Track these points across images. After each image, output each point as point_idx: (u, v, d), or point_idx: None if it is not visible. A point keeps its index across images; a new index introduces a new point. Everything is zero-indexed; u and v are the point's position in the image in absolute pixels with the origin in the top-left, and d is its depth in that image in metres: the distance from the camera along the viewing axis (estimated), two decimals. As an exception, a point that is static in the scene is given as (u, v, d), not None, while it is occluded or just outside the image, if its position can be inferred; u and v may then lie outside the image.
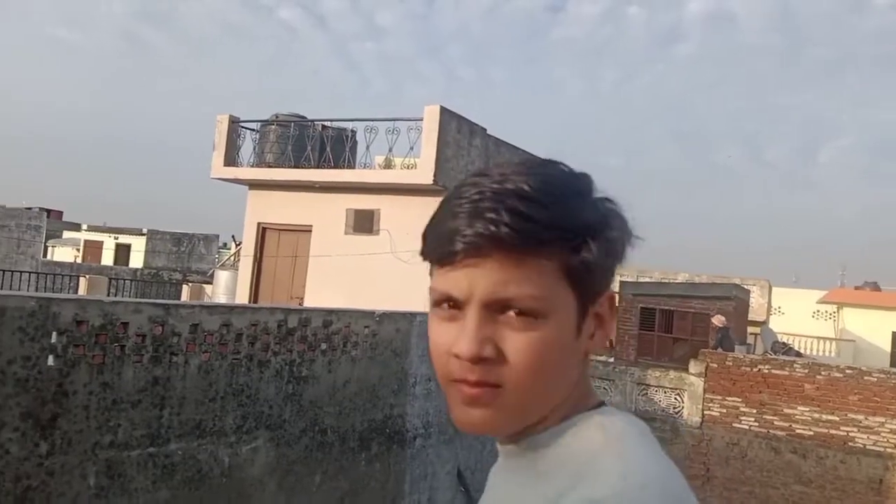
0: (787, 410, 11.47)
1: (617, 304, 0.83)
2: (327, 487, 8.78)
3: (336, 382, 8.92)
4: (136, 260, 31.58)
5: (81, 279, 16.35)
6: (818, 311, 27.48)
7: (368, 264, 11.28)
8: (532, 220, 0.69)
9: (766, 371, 11.75)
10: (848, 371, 11.61)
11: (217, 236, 37.19)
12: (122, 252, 33.02)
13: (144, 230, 32.66)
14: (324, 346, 8.74)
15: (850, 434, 11.12)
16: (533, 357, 0.70)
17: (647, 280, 19.84)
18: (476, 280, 0.70)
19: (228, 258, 19.13)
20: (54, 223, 38.64)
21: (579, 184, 0.78)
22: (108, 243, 34.00)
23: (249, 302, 12.34)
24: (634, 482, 0.68)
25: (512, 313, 0.70)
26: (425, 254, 0.77)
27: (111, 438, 6.36)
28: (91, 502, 6.27)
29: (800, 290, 28.81)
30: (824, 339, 24.08)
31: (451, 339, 0.73)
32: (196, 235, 34.35)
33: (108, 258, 32.99)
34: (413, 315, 10.38)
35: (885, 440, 11.15)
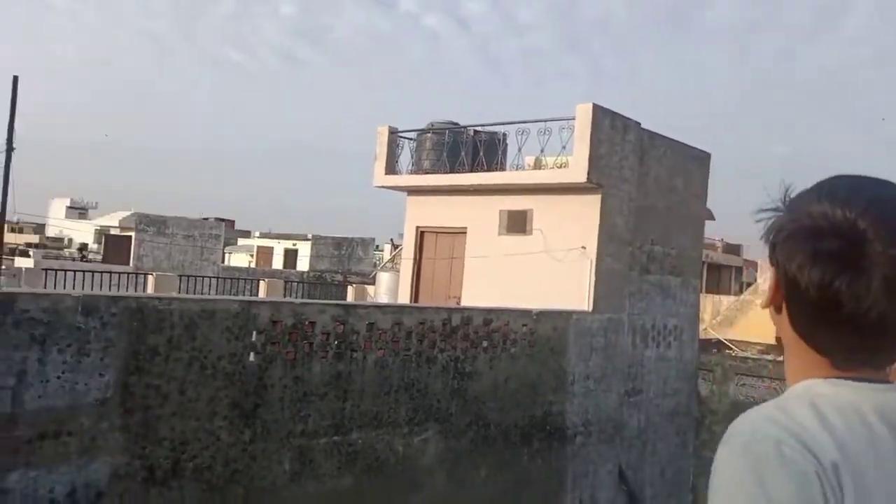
0: None
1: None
2: (493, 481, 9.12)
3: (497, 378, 9.24)
4: (303, 263, 34.02)
5: (260, 282, 17.95)
6: None
7: (522, 264, 11.52)
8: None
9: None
10: None
11: (373, 239, 39.15)
12: (290, 256, 35.71)
13: (309, 236, 35.09)
14: (485, 343, 9.08)
15: None
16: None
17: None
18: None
19: (389, 261, 20.14)
20: (228, 231, 42.46)
21: None
22: (278, 249, 36.93)
23: (410, 301, 12.98)
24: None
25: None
26: None
27: (302, 427, 7.06)
28: (287, 486, 6.99)
29: None
30: None
31: None
32: (354, 239, 36.35)
33: (277, 262, 35.83)
34: (570, 313, 10.48)
35: None
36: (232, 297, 7.61)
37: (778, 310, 0.98)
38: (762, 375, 12.80)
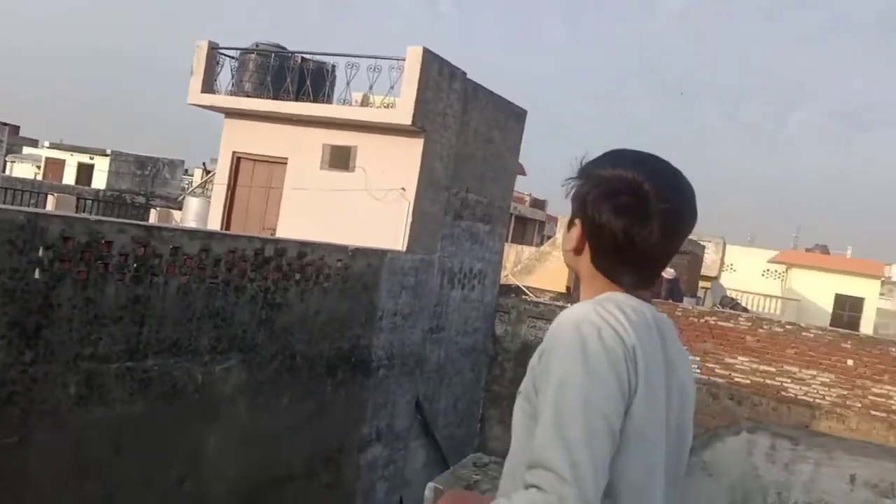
0: (728, 360, 12.26)
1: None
2: (294, 408, 9.25)
3: (308, 311, 9.29)
4: (99, 181, 31.05)
5: (49, 197, 16.21)
6: (768, 270, 28.63)
7: (343, 200, 11.52)
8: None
9: (713, 322, 12.49)
10: (788, 326, 12.41)
11: (182, 162, 36.58)
12: (85, 172, 32.38)
13: (108, 151, 32.01)
14: (297, 276, 9.06)
15: (783, 384, 11.98)
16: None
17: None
18: None
19: (199, 185, 19.08)
20: (11, 138, 37.54)
21: None
22: (71, 161, 33.28)
23: (221, 230, 12.50)
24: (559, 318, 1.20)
25: None
26: None
27: (92, 351, 6.66)
28: (72, 410, 6.60)
29: (753, 249, 29.89)
30: (771, 297, 25.23)
31: None
32: (161, 160, 33.74)
33: (69, 177, 32.35)
34: (385, 252, 10.74)
35: (815, 391, 12.04)
36: (18, 208, 6.90)
37: (578, 252, 1.33)
38: (548, 319, 14.05)
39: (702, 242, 19.80)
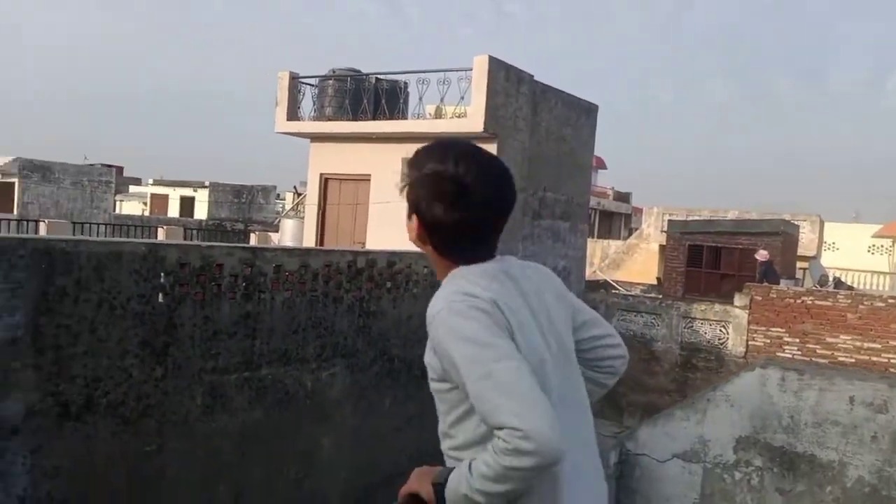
0: (829, 339, 11.90)
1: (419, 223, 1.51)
2: (397, 410, 9.76)
3: (401, 317, 9.80)
4: (201, 211, 33.14)
5: (159, 230, 17.60)
6: (873, 245, 27.18)
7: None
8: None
9: (810, 302, 12.16)
10: (890, 300, 11.92)
11: (274, 187, 38.48)
12: (187, 204, 34.66)
13: (206, 183, 34.12)
14: (388, 284, 9.59)
15: (890, 360, 11.52)
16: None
17: (696, 218, 20.08)
18: None
19: (292, 208, 20.15)
20: (117, 178, 40.53)
21: None
22: (174, 196, 35.70)
23: (315, 247, 13.26)
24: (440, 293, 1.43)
25: None
26: None
27: (213, 364, 7.38)
28: (199, 419, 7.33)
29: (855, 226, 28.45)
30: (879, 273, 23.96)
31: None
32: (255, 187, 35.64)
33: (173, 210, 34.70)
34: (468, 255, 11.12)
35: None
36: (138, 240, 7.73)
37: (424, 241, 1.52)
38: (639, 310, 14.05)
39: (795, 222, 19.15)
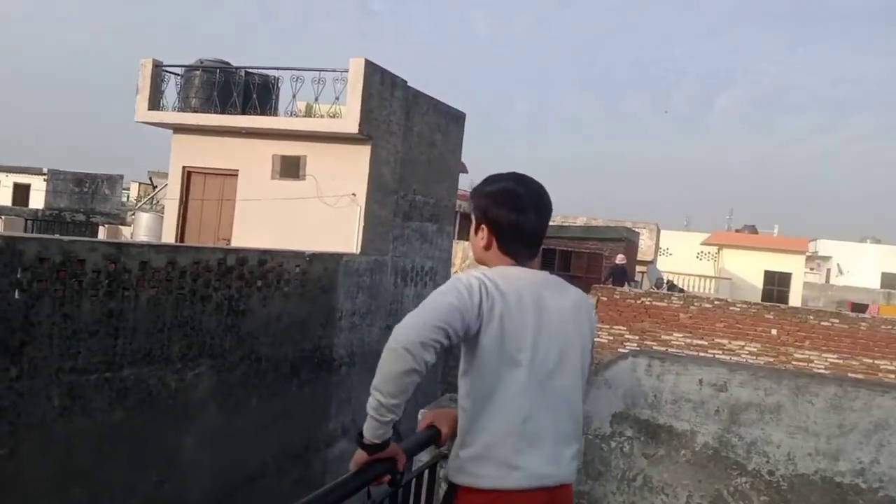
0: (664, 336, 13.25)
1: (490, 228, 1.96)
2: (263, 409, 9.72)
3: (270, 316, 9.77)
4: (37, 200, 30.43)
5: (-5, 220, 16.11)
6: (702, 251, 30.17)
7: (296, 208, 11.99)
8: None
9: (648, 303, 13.47)
10: (716, 302, 13.49)
11: (121, 177, 36.04)
12: (21, 192, 31.68)
13: (45, 169, 31.37)
14: (259, 283, 9.53)
15: (715, 355, 13.02)
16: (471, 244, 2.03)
17: (549, 224, 21.41)
18: None
19: (147, 200, 19.15)
20: (-63, 160, 36.26)
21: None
22: (6, 182, 32.47)
23: (176, 243, 12.78)
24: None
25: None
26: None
27: (72, 364, 7.04)
28: (56, 420, 6.97)
29: (687, 233, 31.43)
30: (705, 276, 26.67)
31: None
32: (99, 176, 33.24)
33: (5, 198, 31.57)
34: (340, 255, 11.27)
35: (744, 360, 13.13)
36: (-9, 233, 7.21)
37: (488, 248, 1.91)
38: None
39: (636, 230, 20.92)
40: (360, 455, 1.72)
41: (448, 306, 1.66)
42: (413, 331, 1.60)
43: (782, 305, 14.07)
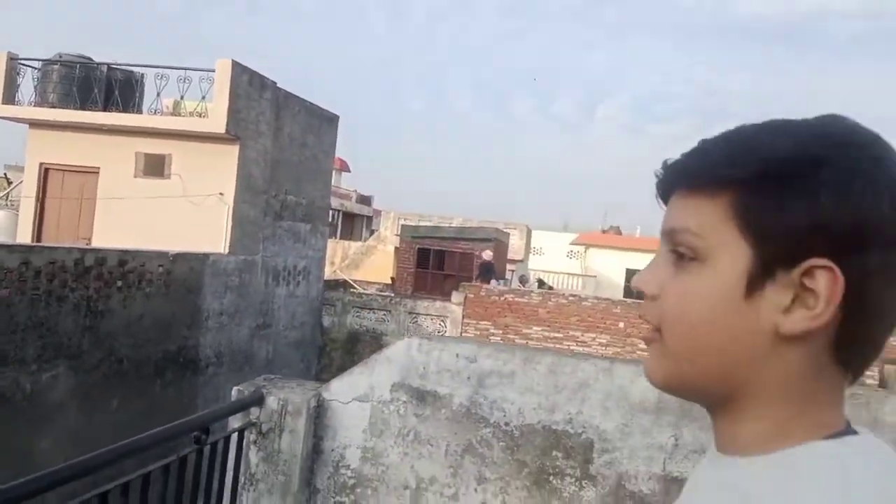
0: (525, 330, 14.21)
1: (833, 287, 0.54)
2: (125, 409, 9.69)
3: (131, 316, 9.75)
4: None
5: None
6: (571, 251, 32.01)
7: (161, 207, 11.88)
8: (708, 155, 0.61)
9: (511, 299, 14.40)
10: (571, 298, 14.62)
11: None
12: None
13: None
14: (119, 283, 9.50)
15: (569, 347, 14.13)
16: (676, 299, 0.62)
17: (426, 224, 22.09)
18: (665, 217, 0.66)
19: (1, 197, 18.12)
20: None
21: (789, 127, 0.60)
22: None
23: (32, 242, 12.33)
24: None
25: (677, 250, 0.63)
26: None
27: (-88, 368, 6.85)
28: None
29: (558, 234, 33.23)
30: (573, 275, 28.38)
31: None
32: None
33: None
34: (206, 255, 11.33)
35: (595, 350, 14.32)
36: None
37: (824, 326, 0.56)
38: (372, 308, 15.31)
39: (507, 230, 22.04)
40: None
41: None
42: None
43: (629, 300, 15.42)
